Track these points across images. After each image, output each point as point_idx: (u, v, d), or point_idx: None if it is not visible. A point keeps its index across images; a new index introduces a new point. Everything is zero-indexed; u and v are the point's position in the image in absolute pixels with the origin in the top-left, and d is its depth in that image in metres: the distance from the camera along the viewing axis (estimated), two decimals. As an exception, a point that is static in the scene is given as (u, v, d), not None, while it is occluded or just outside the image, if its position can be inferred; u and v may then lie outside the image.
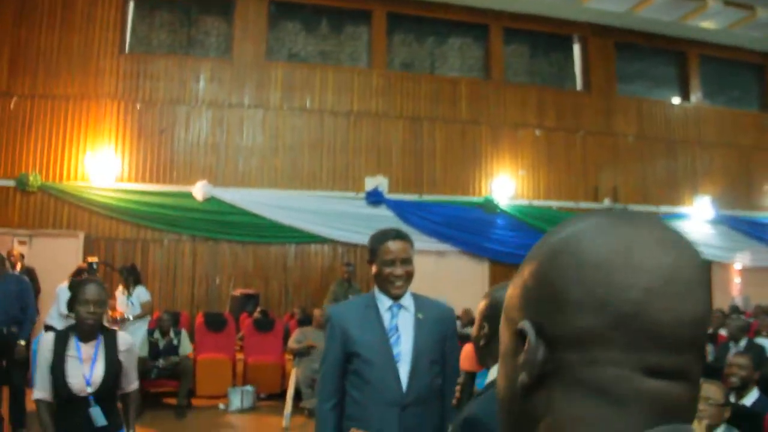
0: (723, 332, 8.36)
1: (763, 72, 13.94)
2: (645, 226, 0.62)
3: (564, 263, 0.61)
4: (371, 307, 2.67)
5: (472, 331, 1.92)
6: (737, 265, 12.79)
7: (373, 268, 2.67)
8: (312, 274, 10.73)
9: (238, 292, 10.00)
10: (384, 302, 2.66)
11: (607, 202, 11.99)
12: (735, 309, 11.40)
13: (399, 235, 2.66)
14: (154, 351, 7.49)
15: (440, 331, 2.70)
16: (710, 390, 3.24)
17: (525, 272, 0.66)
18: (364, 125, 11.15)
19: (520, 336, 0.63)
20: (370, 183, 10.96)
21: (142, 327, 7.67)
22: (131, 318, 7.52)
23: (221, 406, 7.74)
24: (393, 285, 2.62)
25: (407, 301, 2.69)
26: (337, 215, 10.69)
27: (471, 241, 11.23)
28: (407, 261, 2.64)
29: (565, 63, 12.65)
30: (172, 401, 7.53)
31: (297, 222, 10.53)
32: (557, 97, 12.23)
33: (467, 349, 2.04)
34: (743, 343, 7.15)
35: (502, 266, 11.32)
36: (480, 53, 12.08)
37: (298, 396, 7.38)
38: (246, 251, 10.52)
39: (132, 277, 7.79)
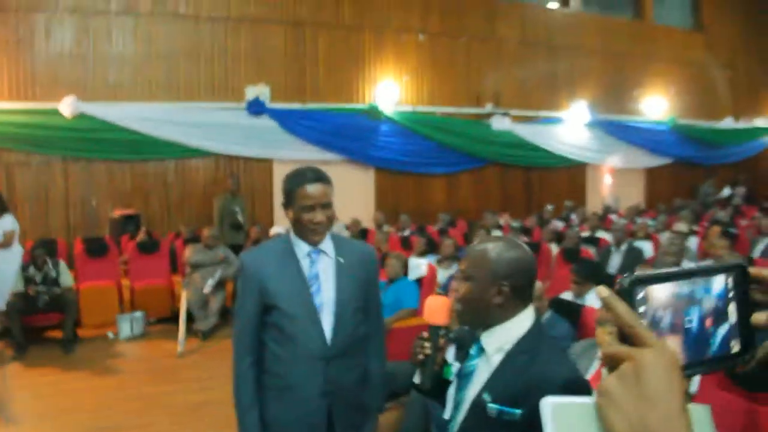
0: (603, 236, 8.65)
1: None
2: None
3: None
4: (288, 253, 2.43)
5: (460, 288, 1.76)
6: (608, 167, 13.51)
7: (289, 214, 2.40)
8: (194, 189, 10.45)
9: (117, 213, 9.62)
10: (302, 248, 2.43)
11: (489, 108, 12.21)
12: (607, 209, 12.13)
13: (318, 177, 2.36)
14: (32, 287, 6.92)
15: (363, 275, 2.49)
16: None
17: None
18: (243, 31, 10.65)
19: None
20: (251, 92, 10.60)
21: (11, 258, 7.04)
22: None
23: (110, 334, 7.45)
24: (314, 233, 2.38)
25: (326, 245, 2.45)
26: (217, 127, 10.32)
27: (356, 149, 11.17)
28: (328, 206, 2.37)
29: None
30: (57, 334, 7.16)
31: (175, 136, 10.08)
32: (441, 0, 12.06)
33: (437, 302, 1.91)
34: (624, 247, 7.60)
35: (388, 174, 11.44)
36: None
37: (189, 318, 7.23)
38: (123, 170, 10.06)
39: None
